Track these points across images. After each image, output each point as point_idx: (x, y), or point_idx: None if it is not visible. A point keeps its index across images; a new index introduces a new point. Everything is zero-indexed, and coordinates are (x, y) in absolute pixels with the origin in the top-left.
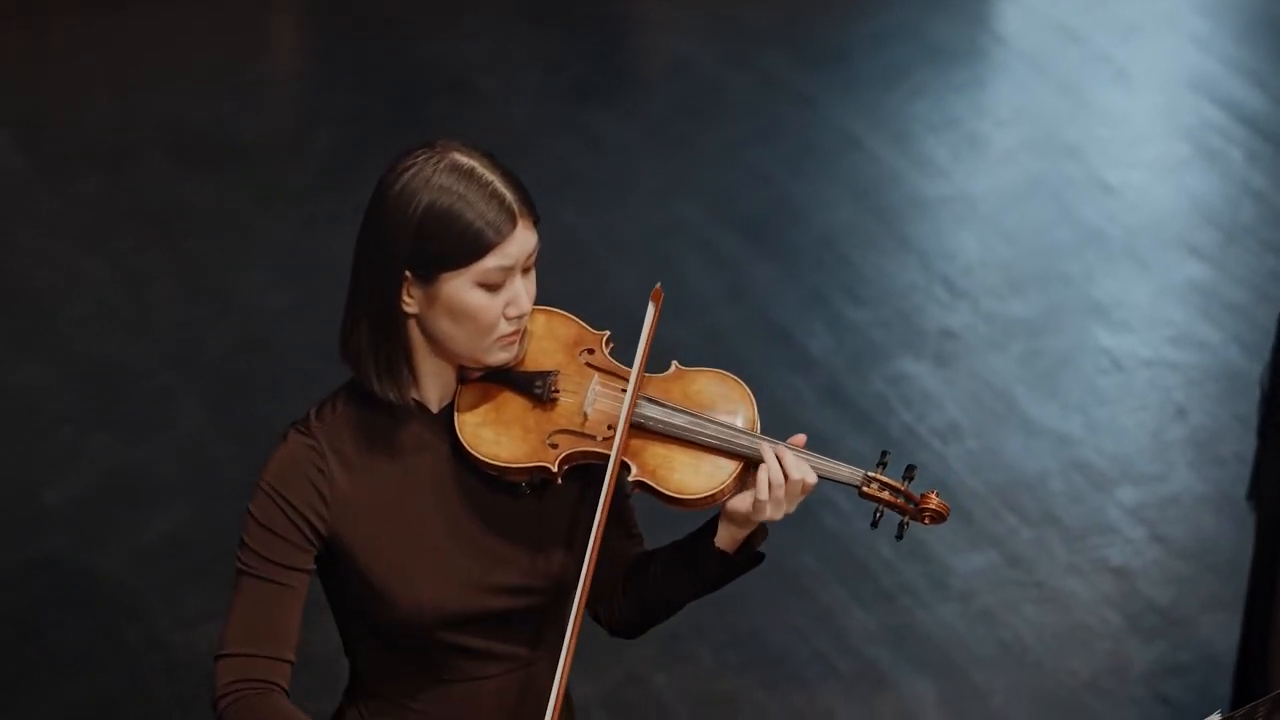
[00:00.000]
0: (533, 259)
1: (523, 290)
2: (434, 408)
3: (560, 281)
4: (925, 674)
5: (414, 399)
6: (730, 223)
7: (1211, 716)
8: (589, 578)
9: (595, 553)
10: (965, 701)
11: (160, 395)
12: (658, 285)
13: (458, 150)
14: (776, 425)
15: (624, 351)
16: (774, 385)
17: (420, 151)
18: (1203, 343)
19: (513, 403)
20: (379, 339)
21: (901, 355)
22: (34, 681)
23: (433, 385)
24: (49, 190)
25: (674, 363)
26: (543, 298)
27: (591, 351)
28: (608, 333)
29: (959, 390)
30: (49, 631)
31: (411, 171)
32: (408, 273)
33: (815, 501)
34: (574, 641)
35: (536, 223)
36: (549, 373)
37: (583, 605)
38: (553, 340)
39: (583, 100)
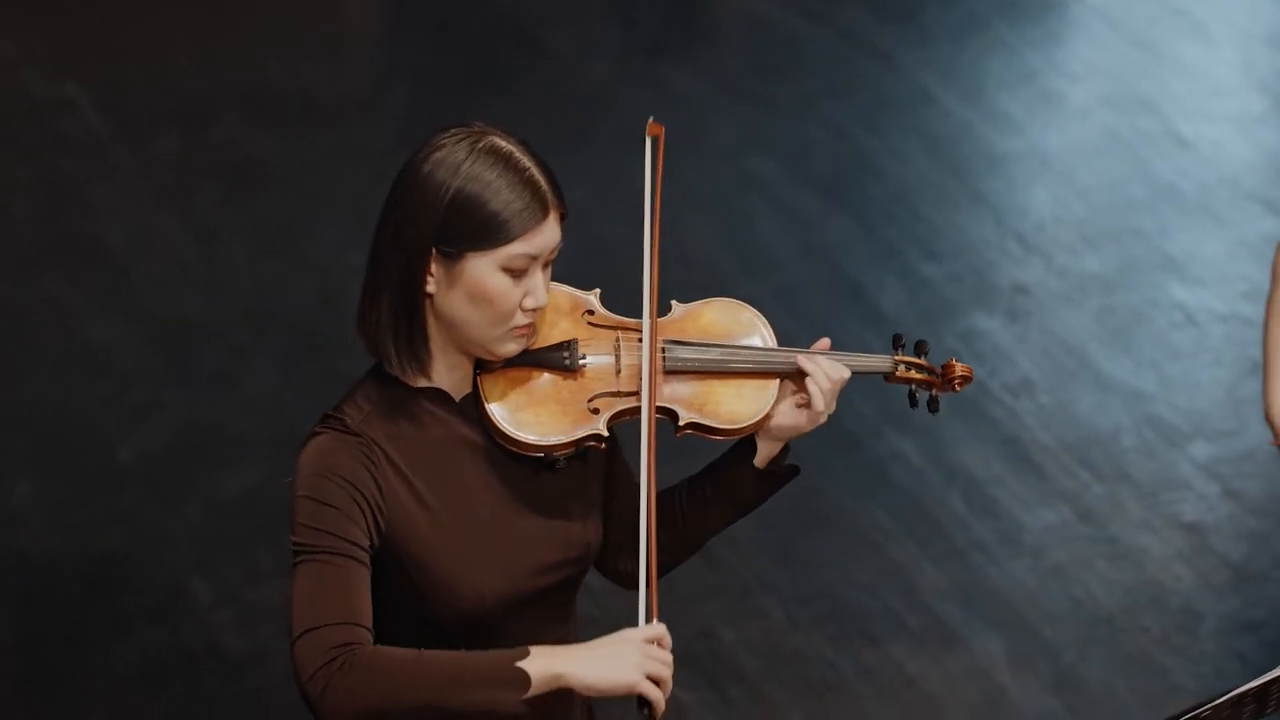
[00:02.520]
0: (554, 254)
1: (541, 283)
2: (455, 396)
3: (632, 236)
4: (996, 630)
5: (435, 386)
6: (804, 178)
7: (1275, 669)
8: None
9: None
10: (1036, 657)
11: (235, 352)
12: (650, 119)
13: (496, 135)
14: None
15: (617, 299)
16: (846, 340)
17: (457, 131)
18: None
19: (540, 380)
20: (400, 315)
21: (974, 310)
22: (106, 634)
23: (449, 377)
24: (126, 148)
25: (673, 302)
26: (617, 252)
27: (591, 312)
28: (598, 290)
29: (1031, 346)
30: (122, 585)
31: (447, 149)
32: (435, 248)
33: (886, 456)
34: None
35: (564, 218)
36: (570, 341)
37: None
38: (552, 312)
39: (658, 56)
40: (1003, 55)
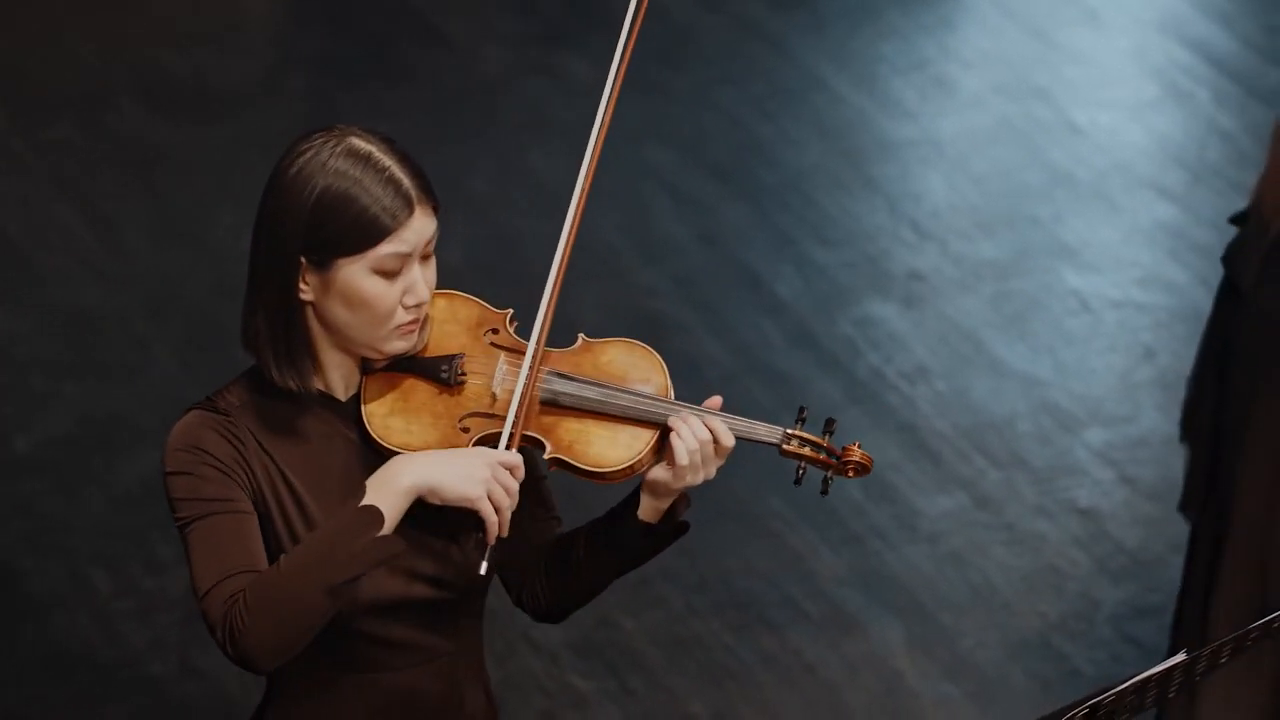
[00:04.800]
0: (431, 246)
1: (420, 279)
2: (341, 396)
3: (531, 225)
4: (894, 616)
5: (319, 389)
6: (700, 166)
7: (1178, 655)
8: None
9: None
10: (934, 643)
11: (134, 341)
12: None
13: (356, 135)
14: (745, 368)
15: (528, 314)
16: (743, 328)
17: (318, 135)
18: (1170, 284)
19: (420, 390)
20: (277, 327)
21: (869, 297)
22: (4, 626)
23: (337, 375)
24: (22, 137)
25: (580, 336)
26: (516, 240)
27: (496, 331)
28: (510, 311)
29: (927, 332)
30: (21, 577)
31: (307, 155)
32: (303, 259)
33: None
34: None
35: (437, 209)
36: (454, 356)
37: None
38: (455, 323)
39: (555, 44)
40: (896, 42)
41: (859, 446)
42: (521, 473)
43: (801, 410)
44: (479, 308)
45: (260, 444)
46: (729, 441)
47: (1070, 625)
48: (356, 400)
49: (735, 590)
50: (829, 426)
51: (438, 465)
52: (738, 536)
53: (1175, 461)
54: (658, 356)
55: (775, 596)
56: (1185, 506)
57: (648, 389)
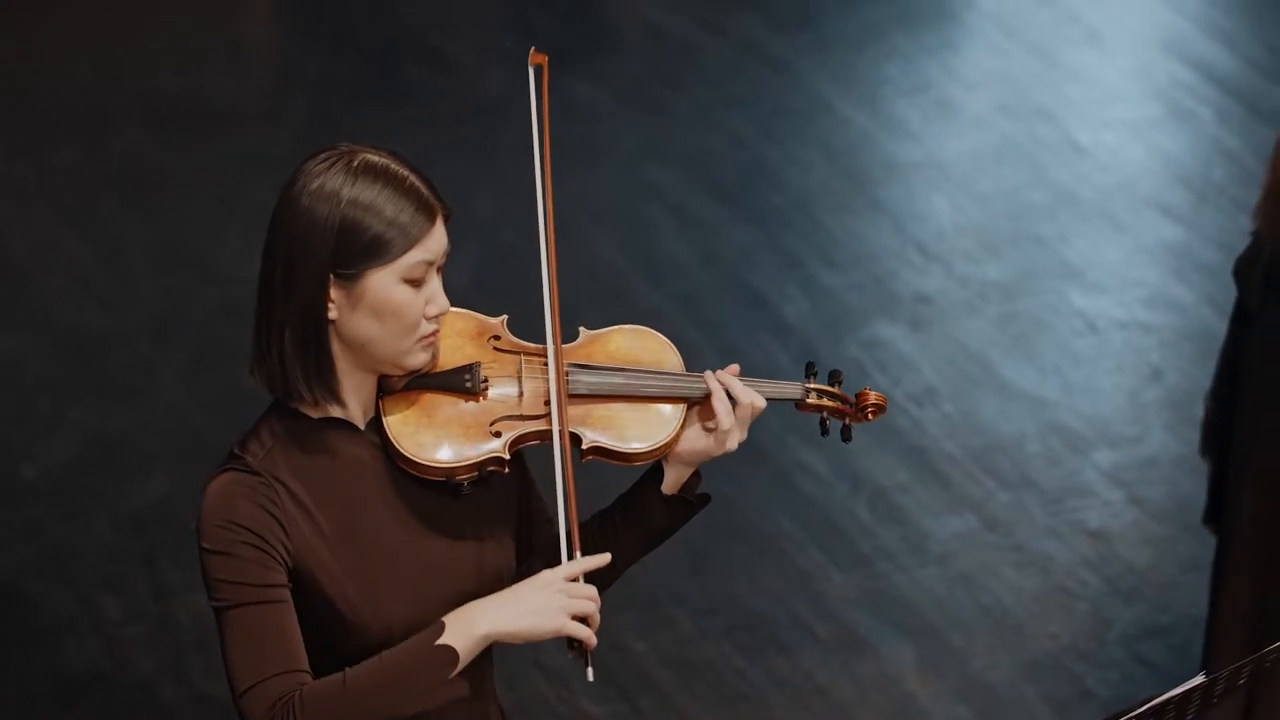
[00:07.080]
0: (445, 258)
1: (440, 288)
2: (359, 423)
3: (535, 245)
4: (904, 637)
5: (339, 416)
6: (704, 187)
7: (1196, 677)
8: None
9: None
10: (944, 664)
11: (139, 365)
12: (533, 49)
13: (367, 151)
14: None
15: (530, 328)
16: (749, 350)
17: (327, 156)
18: (1176, 303)
19: (443, 404)
20: (307, 346)
21: (876, 319)
22: (13, 652)
23: (355, 400)
24: (24, 159)
25: (581, 328)
26: (521, 261)
27: (497, 337)
28: (505, 317)
29: (934, 354)
30: (28, 602)
31: (323, 177)
32: (331, 275)
33: (791, 466)
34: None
35: (448, 219)
36: (473, 364)
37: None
38: (457, 337)
39: (557, 66)
40: (900, 63)
41: (869, 389)
42: (591, 566)
43: (810, 365)
44: (475, 319)
45: (292, 492)
46: (761, 403)
47: (1081, 646)
48: (375, 425)
49: (745, 612)
50: (836, 377)
51: (513, 611)
52: (747, 558)
53: (1184, 481)
54: (662, 335)
55: (785, 618)
56: (1208, 520)
57: (666, 367)
